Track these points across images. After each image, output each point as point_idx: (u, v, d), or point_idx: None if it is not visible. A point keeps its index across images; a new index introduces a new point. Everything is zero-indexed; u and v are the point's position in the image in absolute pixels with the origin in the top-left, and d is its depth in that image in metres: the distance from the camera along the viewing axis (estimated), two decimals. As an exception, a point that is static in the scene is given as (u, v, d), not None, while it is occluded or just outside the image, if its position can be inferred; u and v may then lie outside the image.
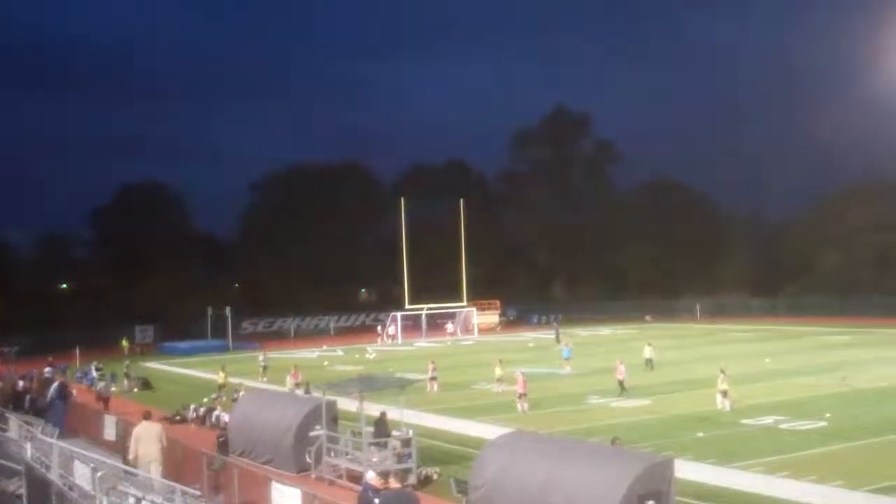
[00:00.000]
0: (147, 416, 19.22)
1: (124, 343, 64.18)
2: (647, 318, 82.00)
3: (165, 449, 17.97)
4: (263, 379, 41.66)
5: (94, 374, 43.05)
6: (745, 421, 25.45)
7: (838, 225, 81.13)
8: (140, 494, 9.30)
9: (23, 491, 11.45)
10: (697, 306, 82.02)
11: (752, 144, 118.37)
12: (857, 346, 47.66)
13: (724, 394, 27.60)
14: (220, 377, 36.78)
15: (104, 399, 33.28)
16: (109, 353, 59.24)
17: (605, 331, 70.60)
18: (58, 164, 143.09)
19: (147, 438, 17.65)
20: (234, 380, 36.23)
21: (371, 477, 12.67)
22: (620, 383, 31.93)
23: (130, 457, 17.93)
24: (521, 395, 28.89)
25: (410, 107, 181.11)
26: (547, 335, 61.82)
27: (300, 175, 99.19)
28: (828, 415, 25.57)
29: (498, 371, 34.09)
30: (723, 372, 28.24)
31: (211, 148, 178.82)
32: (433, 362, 37.63)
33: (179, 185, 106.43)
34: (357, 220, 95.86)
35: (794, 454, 20.73)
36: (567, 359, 40.89)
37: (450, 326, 73.65)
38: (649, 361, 39.05)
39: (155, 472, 17.07)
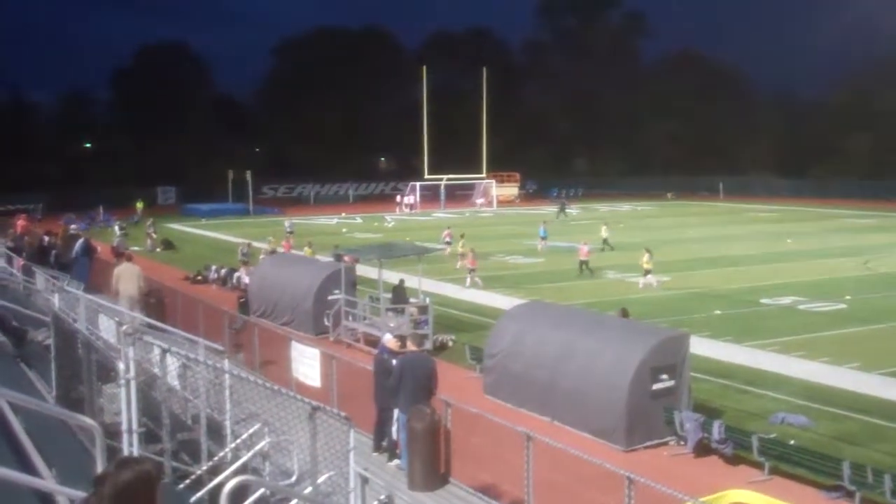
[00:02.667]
0: (129, 259, 20.49)
1: (139, 205, 63.81)
2: (669, 195, 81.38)
3: (143, 288, 19.18)
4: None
5: (118, 231, 43.61)
6: (763, 300, 25.50)
7: (868, 106, 78.99)
8: (165, 346, 9.41)
9: (50, 341, 11.66)
10: (721, 185, 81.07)
11: (783, 19, 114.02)
12: (881, 231, 47.20)
13: (647, 273, 27.92)
14: (270, 243, 35.58)
15: (119, 254, 33.68)
16: (129, 214, 59.60)
17: (625, 207, 70.24)
18: (79, 24, 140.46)
19: (126, 277, 18.81)
20: (258, 244, 36.22)
21: (388, 339, 12.73)
22: (582, 264, 31.25)
23: (113, 293, 19.14)
24: (472, 270, 29.34)
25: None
26: (570, 210, 61.39)
27: (322, 39, 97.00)
28: (847, 297, 25.56)
29: (459, 246, 34.17)
30: (648, 251, 28.41)
31: (231, 10, 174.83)
32: (449, 228, 39.16)
33: (200, 48, 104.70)
34: (378, 87, 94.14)
35: (810, 335, 20.79)
36: (543, 238, 39.80)
37: (478, 199, 73.24)
38: (606, 241, 37.80)
39: (131, 306, 17.98)
